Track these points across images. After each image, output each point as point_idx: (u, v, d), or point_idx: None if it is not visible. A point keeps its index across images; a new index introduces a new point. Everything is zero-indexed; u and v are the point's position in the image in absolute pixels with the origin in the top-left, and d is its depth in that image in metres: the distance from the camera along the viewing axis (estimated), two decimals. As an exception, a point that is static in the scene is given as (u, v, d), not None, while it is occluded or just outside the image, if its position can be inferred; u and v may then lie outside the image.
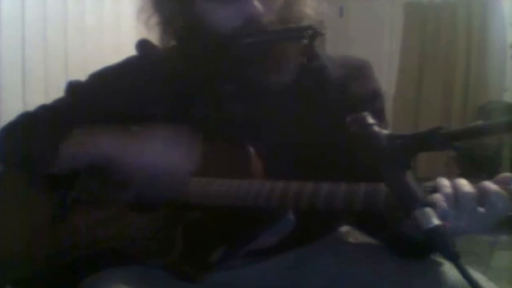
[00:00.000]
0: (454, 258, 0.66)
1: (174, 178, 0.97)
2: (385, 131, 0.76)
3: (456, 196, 0.80)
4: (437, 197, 0.80)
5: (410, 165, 0.74)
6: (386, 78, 5.08)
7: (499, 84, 4.80)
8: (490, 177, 0.83)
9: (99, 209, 1.05)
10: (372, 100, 1.08)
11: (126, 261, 0.98)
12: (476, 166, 3.96)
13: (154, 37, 1.08)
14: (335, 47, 3.96)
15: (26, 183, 1.14)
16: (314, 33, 0.96)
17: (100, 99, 1.13)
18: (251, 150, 0.98)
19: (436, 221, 0.67)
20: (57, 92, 1.20)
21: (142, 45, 1.06)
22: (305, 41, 0.97)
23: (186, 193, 0.96)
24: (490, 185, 0.80)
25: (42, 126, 1.13)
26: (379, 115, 1.05)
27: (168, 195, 0.97)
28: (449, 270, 0.96)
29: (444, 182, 0.82)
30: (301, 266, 1.07)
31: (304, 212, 0.99)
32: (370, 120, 0.77)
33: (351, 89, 1.06)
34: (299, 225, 1.01)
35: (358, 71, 1.09)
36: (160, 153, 0.98)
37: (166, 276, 0.99)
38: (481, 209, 0.80)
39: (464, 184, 0.81)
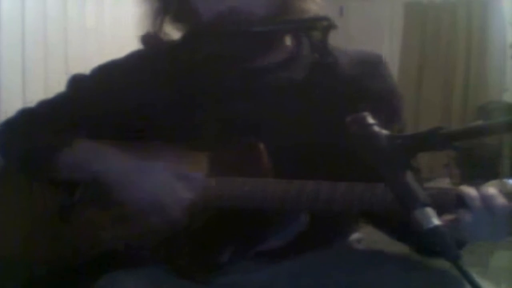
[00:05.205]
0: (454, 258, 0.65)
1: (173, 207, 0.95)
2: (385, 131, 0.76)
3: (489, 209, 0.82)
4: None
5: (411, 165, 0.74)
6: (386, 78, 5.06)
7: (499, 84, 4.79)
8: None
9: (103, 211, 1.03)
10: (390, 99, 1.05)
11: (133, 264, 0.97)
12: (476, 166, 3.95)
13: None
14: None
15: (28, 181, 1.11)
16: (329, 25, 0.87)
17: (103, 94, 1.10)
18: (262, 147, 0.96)
19: (436, 221, 0.67)
20: (57, 92, 1.18)
21: (147, 38, 1.03)
22: (318, 33, 0.88)
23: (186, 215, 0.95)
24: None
25: (42, 127, 1.09)
26: (397, 115, 1.03)
27: (164, 223, 0.95)
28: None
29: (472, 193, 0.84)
30: (311, 271, 1.04)
31: (315, 215, 0.97)
32: (370, 120, 0.77)
33: (367, 87, 1.02)
34: (309, 228, 0.99)
35: (375, 68, 1.05)
36: (160, 184, 0.96)
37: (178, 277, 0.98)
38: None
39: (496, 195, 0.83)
